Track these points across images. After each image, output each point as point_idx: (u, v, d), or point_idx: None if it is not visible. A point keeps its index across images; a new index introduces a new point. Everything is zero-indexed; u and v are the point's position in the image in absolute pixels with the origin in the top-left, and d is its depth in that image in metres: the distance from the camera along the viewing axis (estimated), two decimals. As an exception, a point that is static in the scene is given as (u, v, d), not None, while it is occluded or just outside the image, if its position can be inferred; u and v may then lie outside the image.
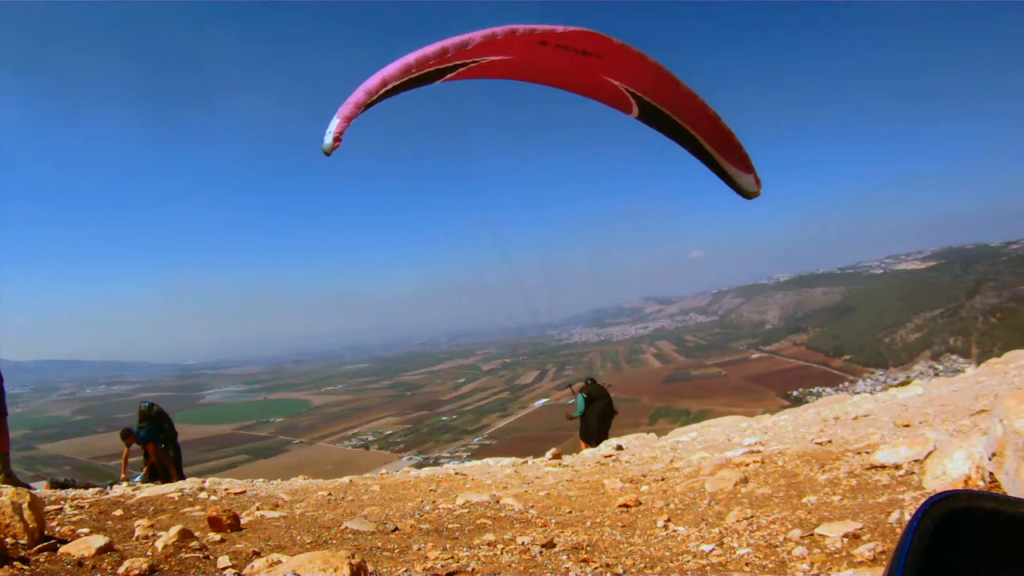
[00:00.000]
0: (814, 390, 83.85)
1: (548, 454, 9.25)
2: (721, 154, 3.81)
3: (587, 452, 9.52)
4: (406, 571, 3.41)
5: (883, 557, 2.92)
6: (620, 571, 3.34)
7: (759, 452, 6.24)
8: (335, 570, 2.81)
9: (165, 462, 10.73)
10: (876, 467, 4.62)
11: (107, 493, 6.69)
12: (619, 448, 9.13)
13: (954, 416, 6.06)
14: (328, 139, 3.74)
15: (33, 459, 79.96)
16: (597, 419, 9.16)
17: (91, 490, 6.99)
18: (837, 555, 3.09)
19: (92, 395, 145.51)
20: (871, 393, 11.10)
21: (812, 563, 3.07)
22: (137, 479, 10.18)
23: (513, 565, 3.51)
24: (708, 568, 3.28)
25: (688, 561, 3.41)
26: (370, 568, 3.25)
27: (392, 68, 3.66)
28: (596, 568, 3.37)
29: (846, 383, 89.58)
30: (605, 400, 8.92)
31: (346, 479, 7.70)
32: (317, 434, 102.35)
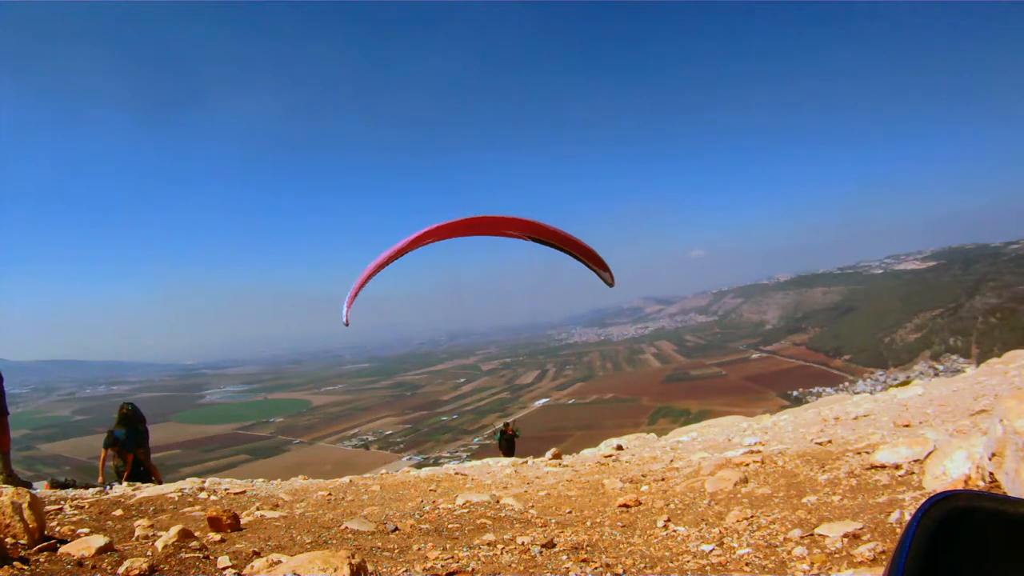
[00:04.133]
0: (814, 390, 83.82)
1: (548, 454, 9.26)
2: (587, 262, 6.01)
3: (587, 452, 9.55)
4: (406, 571, 3.41)
5: (883, 557, 2.92)
6: (620, 571, 3.34)
7: (759, 452, 6.24)
8: (335, 570, 2.81)
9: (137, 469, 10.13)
10: (876, 467, 4.62)
11: (107, 493, 6.69)
12: (619, 448, 9.14)
13: (954, 416, 6.06)
14: (344, 318, 5.40)
15: (33, 459, 79.94)
16: (505, 443, 15.46)
17: (91, 490, 6.99)
18: (837, 555, 3.09)
19: (92, 395, 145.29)
20: (871, 393, 11.11)
21: (812, 563, 3.07)
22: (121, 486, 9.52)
23: (513, 565, 3.51)
24: (708, 568, 3.28)
25: (688, 561, 3.42)
26: (370, 568, 3.25)
27: (372, 266, 5.46)
28: (596, 568, 3.38)
29: (846, 383, 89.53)
30: (508, 436, 15.67)
31: (346, 479, 7.70)
32: (317, 434, 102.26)
